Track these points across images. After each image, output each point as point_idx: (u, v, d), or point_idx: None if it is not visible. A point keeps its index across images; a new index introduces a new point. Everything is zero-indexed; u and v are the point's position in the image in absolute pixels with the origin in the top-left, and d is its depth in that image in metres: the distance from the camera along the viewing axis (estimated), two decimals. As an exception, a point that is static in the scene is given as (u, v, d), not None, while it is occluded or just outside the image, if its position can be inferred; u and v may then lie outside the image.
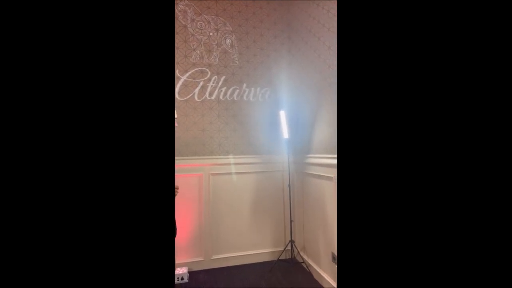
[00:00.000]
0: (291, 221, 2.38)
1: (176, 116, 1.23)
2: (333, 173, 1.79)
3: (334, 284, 1.81)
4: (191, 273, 2.18)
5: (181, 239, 2.22)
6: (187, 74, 2.34)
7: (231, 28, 2.48)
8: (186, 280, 2.08)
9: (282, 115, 2.36)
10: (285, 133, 2.36)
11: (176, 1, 2.34)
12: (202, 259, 2.28)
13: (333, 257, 1.83)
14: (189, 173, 2.24)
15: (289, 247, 2.40)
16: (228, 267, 2.31)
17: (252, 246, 2.41)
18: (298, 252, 2.36)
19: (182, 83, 2.33)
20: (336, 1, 1.78)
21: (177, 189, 1.32)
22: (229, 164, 2.40)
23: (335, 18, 1.83)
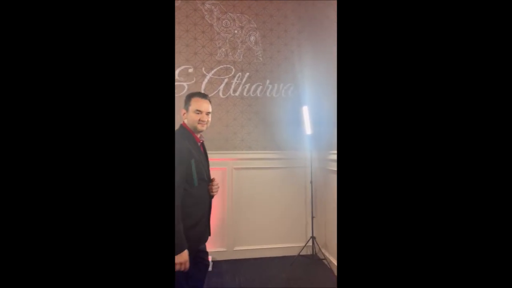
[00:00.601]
0: (312, 217, 2.38)
1: (203, 109, 1.27)
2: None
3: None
4: (214, 262, 2.28)
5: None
6: (212, 72, 2.43)
7: (255, 25, 2.51)
8: (210, 268, 2.18)
9: (305, 111, 2.35)
10: (308, 129, 2.35)
11: (203, 1, 2.42)
12: (225, 249, 2.38)
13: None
14: (213, 167, 2.33)
15: (310, 243, 2.41)
16: (249, 259, 2.38)
17: (273, 240, 2.46)
18: (320, 248, 2.35)
19: (208, 80, 2.42)
20: None
21: (213, 180, 1.33)
22: (252, 159, 2.45)
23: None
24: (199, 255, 1.32)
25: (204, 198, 1.27)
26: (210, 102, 1.29)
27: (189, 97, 1.27)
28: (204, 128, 1.26)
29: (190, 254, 1.15)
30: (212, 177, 1.35)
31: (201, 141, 1.31)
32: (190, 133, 1.26)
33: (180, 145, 1.14)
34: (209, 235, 1.32)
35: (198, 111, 1.23)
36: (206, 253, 1.39)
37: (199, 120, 1.23)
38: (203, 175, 1.25)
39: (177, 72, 2.37)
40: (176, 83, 2.37)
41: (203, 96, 1.28)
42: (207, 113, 1.26)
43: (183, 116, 1.28)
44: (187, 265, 1.11)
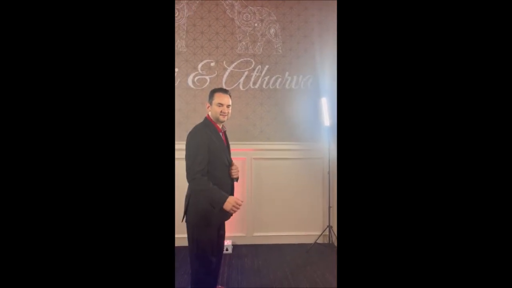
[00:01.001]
0: (329, 207, 2.43)
1: (224, 103, 1.39)
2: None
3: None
4: (234, 246, 2.43)
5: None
6: (233, 65, 2.51)
7: (275, 18, 2.53)
8: (230, 251, 2.34)
9: (324, 102, 2.37)
10: (326, 120, 2.38)
11: (224, -5, 2.49)
12: (244, 235, 2.52)
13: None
14: (233, 157, 2.45)
15: (326, 232, 2.47)
16: (267, 244, 2.50)
17: (291, 228, 2.55)
18: (336, 237, 2.41)
19: (228, 73, 2.51)
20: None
21: (233, 164, 1.47)
22: (270, 150, 2.53)
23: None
24: (218, 239, 1.46)
25: (225, 180, 1.41)
26: (230, 96, 1.42)
27: (212, 92, 1.41)
28: (225, 119, 1.40)
29: (214, 227, 1.32)
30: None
31: (223, 131, 1.44)
32: (213, 124, 1.40)
33: (203, 133, 1.31)
34: (231, 215, 1.44)
35: (220, 104, 1.37)
36: (223, 237, 1.53)
37: (221, 112, 1.38)
38: (224, 160, 1.39)
39: (199, 66, 2.49)
40: (198, 77, 2.49)
41: (225, 91, 1.42)
42: (228, 106, 1.39)
43: (208, 109, 1.42)
44: (239, 203, 1.29)
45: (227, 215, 1.41)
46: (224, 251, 2.32)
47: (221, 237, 1.50)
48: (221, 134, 1.42)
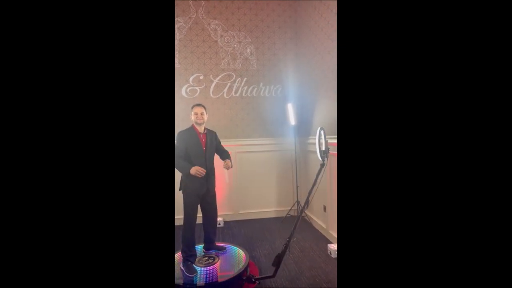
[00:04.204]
0: (297, 187, 3.17)
1: (199, 111, 2.02)
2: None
3: (324, 226, 2.61)
4: (225, 222, 3.08)
5: (219, 198, 3.12)
6: (218, 78, 3.13)
7: (250, 40, 3.19)
8: (222, 225, 2.99)
9: (290, 107, 3.08)
10: (292, 120, 3.09)
11: (209, 21, 3.08)
12: (232, 212, 3.17)
13: (324, 208, 2.61)
14: (221, 152, 3.10)
15: (295, 207, 3.21)
16: (250, 219, 3.18)
17: (268, 205, 3.25)
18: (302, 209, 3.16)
19: (215, 85, 3.12)
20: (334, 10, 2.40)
21: (225, 161, 2.10)
22: (250, 145, 3.20)
23: (333, 30, 2.47)
24: (208, 212, 2.10)
25: (200, 164, 1.98)
26: (204, 107, 2.05)
27: (192, 107, 2.06)
28: (200, 121, 2.02)
29: (193, 193, 1.95)
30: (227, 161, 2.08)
31: (204, 132, 2.06)
32: (193, 128, 2.04)
33: (182, 135, 1.99)
34: (210, 189, 2.04)
35: (195, 113, 2.02)
36: (210, 205, 2.11)
37: (196, 117, 2.02)
38: (198, 152, 2.00)
39: (191, 79, 3.07)
40: (190, 88, 3.08)
41: (198, 104, 2.06)
42: (201, 113, 2.02)
43: (191, 118, 2.05)
44: (200, 170, 1.87)
45: (202, 184, 1.98)
46: (218, 226, 2.98)
47: (209, 204, 2.08)
48: (200, 135, 2.03)
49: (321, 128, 1.94)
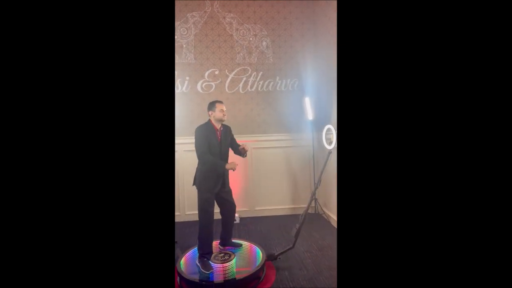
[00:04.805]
0: (314, 183, 3.07)
1: (224, 108, 2.01)
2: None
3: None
4: (241, 218, 3.05)
5: (235, 194, 3.09)
6: (233, 73, 3.08)
7: (266, 33, 3.10)
8: (238, 221, 2.96)
9: (307, 101, 2.98)
10: (309, 115, 2.99)
11: (224, 14, 3.03)
12: (248, 209, 3.14)
13: (343, 207, 2.51)
14: (237, 147, 3.06)
15: (313, 204, 3.12)
16: (266, 216, 3.13)
17: (284, 202, 3.19)
18: (321, 207, 3.06)
19: (230, 80, 3.08)
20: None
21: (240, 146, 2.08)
22: (267, 140, 3.14)
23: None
24: (226, 204, 2.07)
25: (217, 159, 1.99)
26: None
27: (214, 103, 2.01)
28: (225, 118, 2.02)
29: (211, 189, 1.93)
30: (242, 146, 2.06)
31: (221, 128, 2.04)
32: (212, 125, 2.01)
33: (203, 130, 1.96)
34: (225, 186, 2.03)
35: (222, 110, 2.00)
36: (227, 201, 2.09)
37: (223, 115, 2.00)
38: (217, 148, 1.98)
39: (206, 74, 3.04)
40: (206, 83, 3.05)
41: (221, 102, 2.04)
42: (225, 110, 2.02)
43: (211, 115, 2.00)
44: (235, 163, 1.92)
45: (216, 182, 1.97)
46: (234, 222, 2.95)
47: (224, 199, 2.06)
48: (217, 131, 2.01)
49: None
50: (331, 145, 2.09)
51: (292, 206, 3.19)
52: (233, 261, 1.84)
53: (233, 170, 1.96)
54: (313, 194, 2.85)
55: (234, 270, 1.81)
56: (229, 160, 2.05)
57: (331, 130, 2.05)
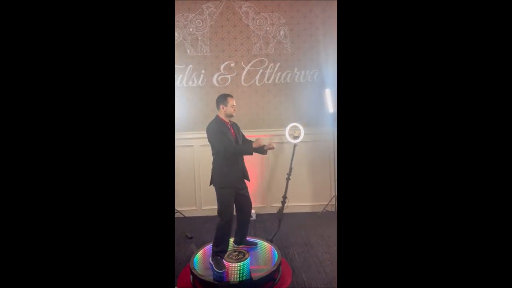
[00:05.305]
0: (335, 180, 2.90)
1: (234, 104, 1.92)
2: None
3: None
4: (257, 215, 2.98)
5: (251, 190, 3.02)
6: (250, 64, 2.96)
7: (284, 21, 2.94)
8: (254, 218, 2.89)
9: (328, 93, 2.80)
10: (330, 108, 2.81)
11: (240, 3, 2.91)
12: (264, 205, 3.05)
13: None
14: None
15: (333, 202, 2.96)
16: (284, 212, 3.02)
17: (303, 199, 3.06)
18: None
19: (246, 72, 2.97)
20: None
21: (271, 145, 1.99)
22: (284, 135, 3.01)
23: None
24: (243, 200, 1.99)
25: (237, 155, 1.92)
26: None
27: (225, 97, 1.91)
28: (234, 114, 1.94)
29: (230, 187, 1.86)
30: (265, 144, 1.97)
31: (230, 123, 1.96)
32: (222, 120, 1.92)
33: (216, 125, 1.88)
34: (247, 179, 1.99)
35: (233, 105, 1.91)
36: (245, 197, 2.02)
37: (234, 110, 1.91)
38: (232, 143, 1.90)
39: (222, 67, 2.96)
40: (221, 76, 2.97)
41: (232, 96, 1.95)
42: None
43: (222, 110, 1.91)
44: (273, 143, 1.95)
45: (239, 177, 1.91)
46: (250, 218, 2.89)
47: (242, 196, 1.98)
48: (229, 126, 1.94)
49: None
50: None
51: (311, 203, 3.05)
52: (247, 260, 1.77)
53: (273, 148, 1.97)
54: (335, 191, 2.69)
55: (248, 270, 1.74)
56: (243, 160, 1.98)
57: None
